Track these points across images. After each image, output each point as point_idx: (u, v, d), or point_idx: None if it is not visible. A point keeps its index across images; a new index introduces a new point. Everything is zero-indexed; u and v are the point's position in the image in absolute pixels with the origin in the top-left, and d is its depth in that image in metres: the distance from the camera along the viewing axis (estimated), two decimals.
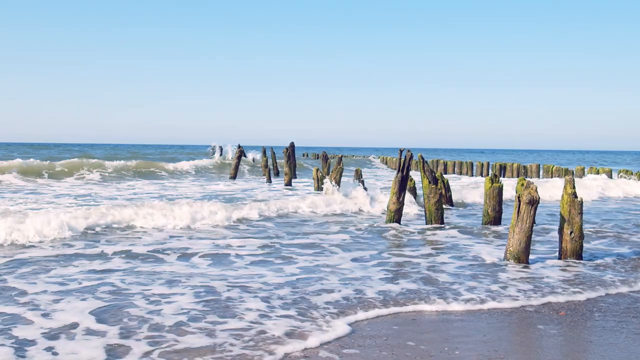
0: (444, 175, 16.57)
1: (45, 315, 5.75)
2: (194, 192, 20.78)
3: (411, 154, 12.86)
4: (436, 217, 12.62)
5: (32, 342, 4.99)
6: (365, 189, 16.17)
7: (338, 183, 17.25)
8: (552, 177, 32.54)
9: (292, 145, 28.08)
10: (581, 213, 8.77)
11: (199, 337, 5.18)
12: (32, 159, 30.06)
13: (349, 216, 14.25)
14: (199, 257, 8.84)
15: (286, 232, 11.54)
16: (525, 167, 35.36)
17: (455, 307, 6.33)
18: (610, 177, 28.34)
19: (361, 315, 5.96)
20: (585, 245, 9.10)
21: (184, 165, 33.10)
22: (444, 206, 13.47)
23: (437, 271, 8.03)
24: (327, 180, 17.25)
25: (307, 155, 69.59)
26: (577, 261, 8.71)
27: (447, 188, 16.37)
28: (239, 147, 28.97)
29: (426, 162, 13.10)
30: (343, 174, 18.87)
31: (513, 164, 36.29)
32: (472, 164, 38.11)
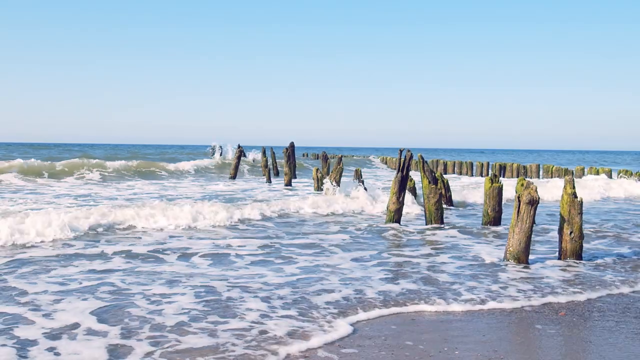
0: (444, 175, 16.58)
1: (46, 315, 5.76)
2: (194, 192, 20.80)
3: (411, 154, 12.88)
4: (436, 217, 12.64)
5: (34, 342, 5.00)
6: (365, 189, 16.18)
7: (338, 183, 17.28)
8: (552, 177, 32.57)
9: (292, 145, 28.10)
10: (581, 213, 8.78)
11: (200, 337, 5.19)
12: (32, 159, 30.01)
13: (349, 216, 14.27)
14: (199, 257, 8.86)
15: (286, 232, 11.55)
16: (525, 167, 35.39)
17: (455, 307, 6.34)
18: (610, 177, 28.37)
19: (362, 315, 5.97)
20: (585, 245, 9.12)
21: (184, 165, 33.07)
22: (443, 206, 13.49)
23: (437, 271, 8.05)
24: (327, 180, 17.29)
25: (307, 155, 69.53)
26: (577, 261, 8.73)
27: (447, 188, 16.38)
28: (239, 147, 28.99)
29: (426, 162, 13.11)
30: (343, 174, 18.91)
31: (513, 164, 36.33)
32: (472, 164, 38.13)
